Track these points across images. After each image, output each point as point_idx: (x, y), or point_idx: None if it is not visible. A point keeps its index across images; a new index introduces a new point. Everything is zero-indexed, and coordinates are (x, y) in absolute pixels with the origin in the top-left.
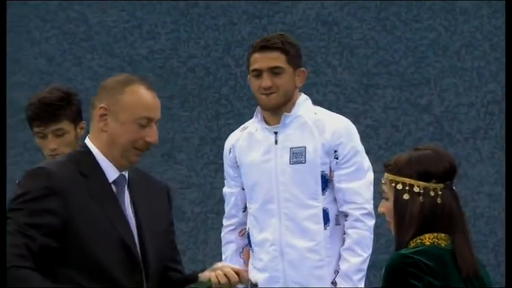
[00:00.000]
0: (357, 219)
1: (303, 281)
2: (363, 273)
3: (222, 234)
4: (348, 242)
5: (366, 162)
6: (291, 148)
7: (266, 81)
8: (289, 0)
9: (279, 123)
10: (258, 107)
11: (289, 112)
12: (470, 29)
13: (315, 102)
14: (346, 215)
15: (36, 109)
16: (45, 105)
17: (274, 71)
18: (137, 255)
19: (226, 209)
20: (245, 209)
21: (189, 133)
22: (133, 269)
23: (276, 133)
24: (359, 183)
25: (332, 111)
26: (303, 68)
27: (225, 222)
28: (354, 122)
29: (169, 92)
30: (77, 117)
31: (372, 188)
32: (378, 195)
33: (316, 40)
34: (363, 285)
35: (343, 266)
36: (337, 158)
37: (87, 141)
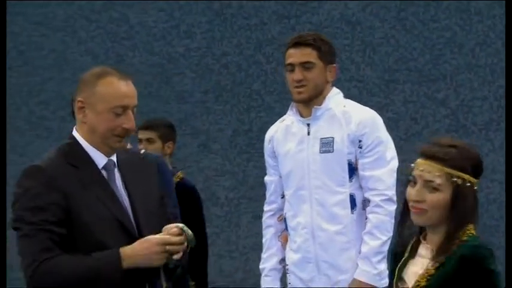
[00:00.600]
0: (377, 205)
1: (332, 261)
2: (382, 255)
3: (263, 219)
4: (368, 226)
5: (390, 152)
6: (321, 138)
7: (297, 74)
8: (315, 0)
9: (311, 116)
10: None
11: (319, 105)
12: (483, 28)
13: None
14: (369, 201)
15: None
16: None
17: (306, 66)
18: (134, 232)
19: (267, 196)
20: (283, 195)
21: (222, 125)
22: None
23: (308, 125)
24: (381, 171)
25: None
26: (334, 64)
27: (265, 208)
28: None
29: (204, 87)
30: None
31: (394, 175)
32: (400, 183)
33: (341, 39)
34: (383, 266)
35: (363, 249)
36: (361, 148)
37: (74, 132)
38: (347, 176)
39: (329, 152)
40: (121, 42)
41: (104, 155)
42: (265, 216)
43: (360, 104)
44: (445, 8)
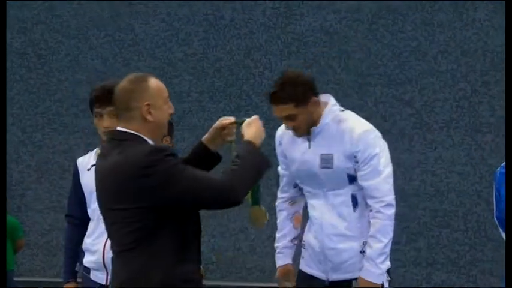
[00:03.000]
0: (378, 211)
1: (335, 246)
2: (385, 256)
3: (277, 203)
4: (371, 230)
5: (383, 161)
6: (321, 154)
7: (287, 125)
8: (298, 13)
9: (310, 134)
10: None
11: (316, 125)
12: (445, 38)
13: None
14: (370, 208)
15: (97, 93)
16: (105, 90)
17: (289, 118)
18: None
19: (281, 185)
20: (295, 185)
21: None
22: None
23: (309, 140)
24: (376, 181)
25: None
26: (314, 98)
27: (279, 194)
28: None
29: (200, 88)
30: None
31: (390, 180)
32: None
33: (320, 47)
34: (386, 265)
35: (368, 251)
36: (357, 162)
37: (130, 133)
38: (347, 183)
39: (328, 168)
40: (127, 49)
41: None
42: (278, 201)
43: (337, 103)
44: (411, 21)
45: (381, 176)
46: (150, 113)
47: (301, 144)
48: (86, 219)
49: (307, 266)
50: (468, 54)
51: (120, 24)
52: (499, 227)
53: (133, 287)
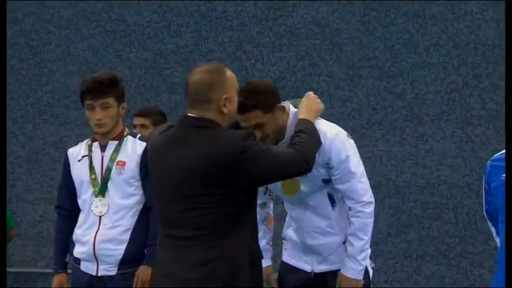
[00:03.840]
0: (358, 211)
1: (317, 243)
2: (365, 253)
3: None
4: (351, 228)
5: (353, 162)
6: None
7: (257, 134)
8: (290, 6)
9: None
10: None
11: (283, 139)
12: (437, 30)
13: (311, 89)
14: (349, 208)
15: (89, 84)
16: (97, 82)
17: (257, 126)
18: None
19: None
20: (266, 191)
21: None
22: None
23: None
24: (351, 182)
25: (324, 97)
26: (279, 105)
27: None
28: (341, 106)
29: None
30: (120, 97)
31: (364, 179)
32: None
33: (312, 39)
34: (367, 261)
35: (349, 249)
36: (330, 168)
37: (209, 120)
38: (322, 185)
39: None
40: (119, 40)
41: None
42: None
43: (329, 96)
44: (403, 13)
45: (355, 177)
46: (225, 106)
47: None
48: (76, 210)
49: (291, 258)
50: (460, 47)
51: (111, 15)
52: (487, 220)
53: (224, 267)
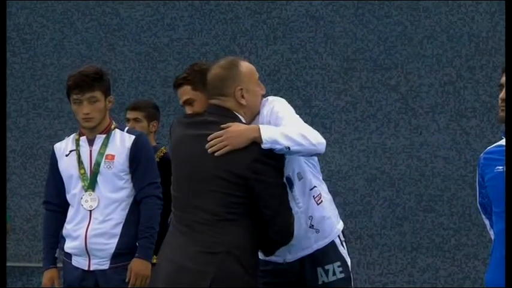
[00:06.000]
0: None
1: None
2: (284, 138)
3: None
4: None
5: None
6: None
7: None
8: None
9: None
10: None
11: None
12: (431, 23)
13: (305, 82)
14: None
15: (76, 79)
16: (83, 76)
17: (188, 103)
18: None
19: None
20: None
21: None
22: None
23: None
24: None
25: (318, 90)
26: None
27: None
28: (335, 99)
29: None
30: (107, 90)
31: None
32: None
33: (306, 32)
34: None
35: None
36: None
37: (228, 109)
38: None
39: None
40: (112, 33)
41: None
42: None
43: (323, 89)
44: (397, 6)
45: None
46: (243, 96)
47: None
48: (65, 206)
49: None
50: (454, 39)
51: (105, 9)
52: (481, 213)
53: (237, 253)
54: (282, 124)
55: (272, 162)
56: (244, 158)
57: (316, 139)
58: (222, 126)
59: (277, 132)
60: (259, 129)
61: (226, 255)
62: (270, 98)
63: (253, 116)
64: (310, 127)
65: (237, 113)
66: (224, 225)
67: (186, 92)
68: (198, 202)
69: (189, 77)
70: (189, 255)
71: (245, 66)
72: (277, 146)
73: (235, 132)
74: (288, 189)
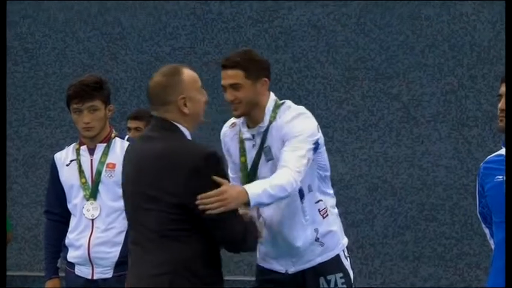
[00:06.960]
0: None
1: (287, 236)
2: (271, 197)
3: None
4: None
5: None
6: (264, 147)
7: (228, 96)
8: (285, 7)
9: (255, 127)
10: None
11: (261, 123)
12: (432, 32)
13: (307, 91)
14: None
15: (76, 88)
16: (83, 85)
17: (234, 86)
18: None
19: None
20: None
21: (204, 115)
22: None
23: (253, 136)
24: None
25: (320, 98)
26: (265, 79)
27: None
28: (337, 108)
29: None
30: (107, 99)
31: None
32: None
33: (308, 41)
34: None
35: (270, 179)
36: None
37: (170, 122)
38: None
39: (271, 159)
40: (114, 42)
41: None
42: None
43: (325, 98)
44: (399, 15)
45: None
46: (185, 105)
47: (248, 142)
48: (66, 215)
49: (264, 261)
50: (455, 48)
51: (107, 18)
52: (481, 222)
53: (186, 270)
54: (286, 151)
55: (210, 173)
56: (179, 175)
57: (292, 187)
58: (221, 190)
59: (264, 194)
60: (247, 194)
61: (174, 275)
62: (293, 106)
63: (196, 124)
64: (303, 165)
65: (179, 124)
66: (167, 241)
67: (238, 76)
68: (141, 219)
69: (243, 62)
70: (141, 277)
71: (187, 73)
72: (261, 205)
73: (231, 197)
74: (299, 200)
